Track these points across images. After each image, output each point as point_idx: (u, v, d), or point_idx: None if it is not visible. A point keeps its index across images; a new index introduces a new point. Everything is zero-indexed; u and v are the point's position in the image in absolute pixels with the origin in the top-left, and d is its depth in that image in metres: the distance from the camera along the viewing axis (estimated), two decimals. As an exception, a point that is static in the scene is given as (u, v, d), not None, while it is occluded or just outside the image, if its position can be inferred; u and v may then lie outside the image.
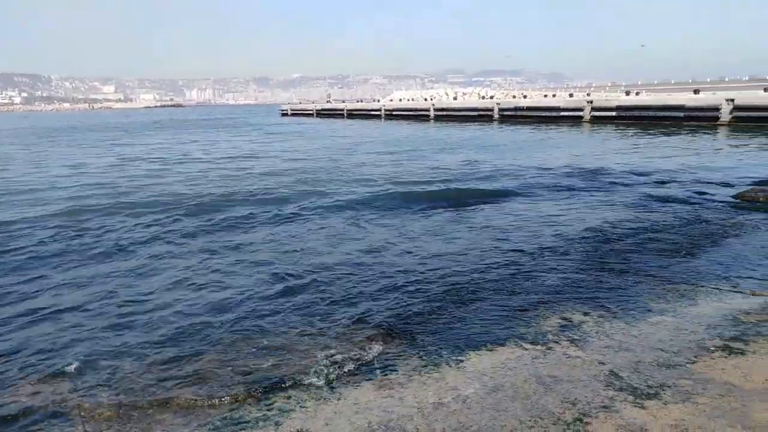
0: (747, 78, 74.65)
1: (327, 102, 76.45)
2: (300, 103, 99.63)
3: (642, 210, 8.80)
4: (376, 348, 4.12)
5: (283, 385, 3.57)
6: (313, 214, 9.15)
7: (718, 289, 4.97)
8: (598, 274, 5.66)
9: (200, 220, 8.81)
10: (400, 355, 3.99)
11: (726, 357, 3.51)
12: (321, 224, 8.44)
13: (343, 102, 74.80)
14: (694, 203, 9.14)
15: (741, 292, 4.85)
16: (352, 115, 60.91)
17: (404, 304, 5.01)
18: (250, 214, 9.19)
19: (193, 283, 5.73)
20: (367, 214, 9.04)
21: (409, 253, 6.71)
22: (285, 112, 76.86)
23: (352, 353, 4.02)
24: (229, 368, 3.85)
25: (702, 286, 5.09)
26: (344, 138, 29.30)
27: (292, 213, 9.29)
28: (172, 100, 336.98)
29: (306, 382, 3.62)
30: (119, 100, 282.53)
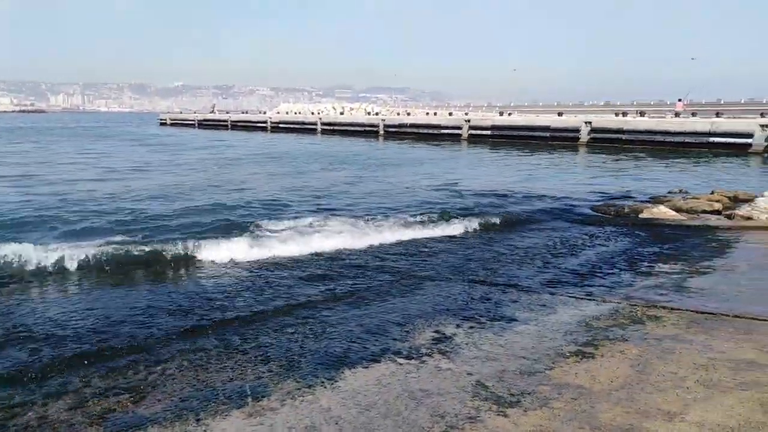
0: (602, 103, 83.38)
1: (211, 112, 73.57)
2: (181, 112, 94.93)
3: (507, 223, 9.39)
4: (251, 373, 3.95)
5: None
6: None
7: (575, 297, 5.40)
8: (468, 286, 5.92)
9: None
10: (275, 379, 3.85)
11: (579, 361, 3.80)
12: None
13: (228, 113, 72.52)
14: (556, 216, 9.94)
15: (594, 300, 5.30)
16: (237, 126, 59.24)
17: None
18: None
19: None
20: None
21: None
22: (164, 121, 72.86)
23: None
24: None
25: (561, 295, 5.50)
26: (225, 150, 28.32)
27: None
28: (33, 105, 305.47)
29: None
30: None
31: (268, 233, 7.96)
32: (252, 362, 4.11)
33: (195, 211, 10.20)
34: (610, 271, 6.46)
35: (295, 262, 6.93)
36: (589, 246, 7.79)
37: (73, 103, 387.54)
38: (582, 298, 5.37)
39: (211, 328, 4.81)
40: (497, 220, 9.26)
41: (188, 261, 6.87)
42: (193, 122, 67.40)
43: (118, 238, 7.62)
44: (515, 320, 4.84)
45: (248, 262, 6.91)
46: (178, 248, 6.94)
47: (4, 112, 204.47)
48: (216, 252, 6.99)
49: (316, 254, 7.31)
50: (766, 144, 24.84)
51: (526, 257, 7.16)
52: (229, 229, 8.29)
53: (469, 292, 5.79)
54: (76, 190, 12.77)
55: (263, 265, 6.78)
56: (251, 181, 15.31)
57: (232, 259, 6.91)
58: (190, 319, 5.04)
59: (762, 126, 25.38)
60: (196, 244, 7.06)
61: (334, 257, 7.20)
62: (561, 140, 31.34)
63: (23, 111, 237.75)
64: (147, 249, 6.92)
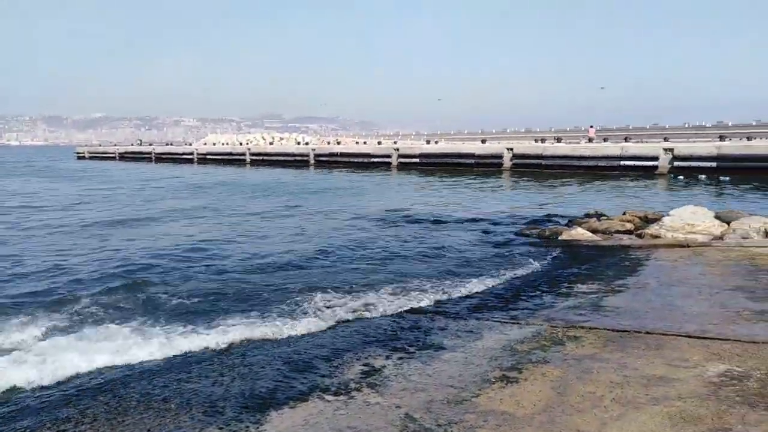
0: (523, 129, 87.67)
1: (138, 144, 70.83)
2: (100, 145, 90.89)
3: (433, 247, 9.58)
4: (171, 423, 3.73)
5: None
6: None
7: (500, 321, 5.53)
8: (398, 315, 5.94)
9: None
10: (197, 427, 3.66)
11: (504, 387, 3.86)
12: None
13: (151, 145, 70.13)
14: (481, 241, 10.22)
15: (518, 323, 5.44)
16: (161, 159, 57.31)
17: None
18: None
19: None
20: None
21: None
22: (81, 154, 69.41)
23: (138, 432, 3.57)
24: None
25: (487, 320, 5.62)
26: (142, 185, 27.26)
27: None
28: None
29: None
30: None
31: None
32: (173, 411, 3.90)
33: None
34: (533, 294, 6.68)
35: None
36: (513, 269, 8.04)
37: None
38: (507, 322, 5.50)
39: (132, 377, 4.54)
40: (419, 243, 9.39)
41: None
42: (113, 155, 64.61)
43: None
44: (443, 348, 4.88)
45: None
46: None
47: None
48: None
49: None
50: (669, 166, 26.88)
51: (451, 282, 7.29)
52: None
53: (398, 321, 5.81)
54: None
55: (186, 305, 6.50)
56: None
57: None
58: (103, 367, 4.73)
59: (665, 150, 27.49)
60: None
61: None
62: (485, 166, 32.52)
63: None
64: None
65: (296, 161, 44.02)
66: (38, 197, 20.51)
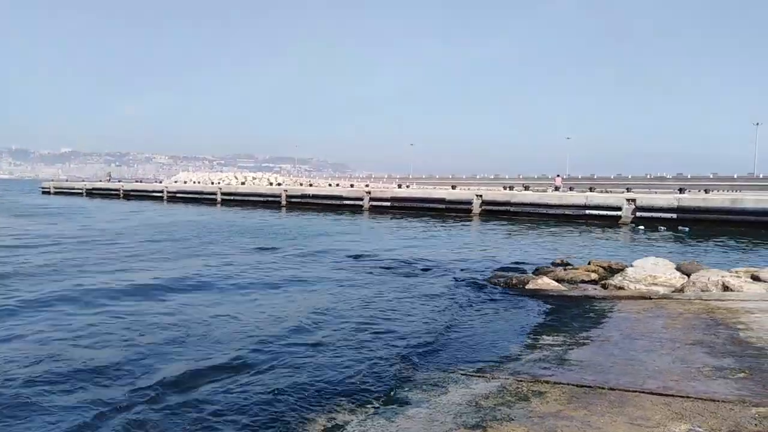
0: (492, 176, 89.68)
1: (108, 180, 69.57)
2: (67, 180, 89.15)
3: (401, 294, 9.56)
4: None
5: None
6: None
7: (465, 375, 5.48)
8: (358, 362, 5.85)
9: None
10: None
11: (467, 446, 3.80)
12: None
13: (120, 181, 69.06)
14: (449, 289, 10.23)
15: (483, 376, 5.41)
16: (130, 195, 56.39)
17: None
18: None
19: None
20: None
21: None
22: (47, 189, 67.78)
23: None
24: None
25: (452, 372, 5.57)
26: (108, 223, 26.68)
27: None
28: None
29: None
30: None
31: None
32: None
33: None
34: (499, 344, 6.67)
35: (181, 348, 6.48)
36: (479, 318, 8.05)
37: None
38: (472, 375, 5.46)
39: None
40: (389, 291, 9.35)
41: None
42: (81, 191, 63.29)
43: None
44: (408, 403, 4.79)
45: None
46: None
47: None
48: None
49: (205, 338, 6.90)
50: (632, 216, 27.68)
51: (417, 330, 7.24)
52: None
53: (365, 371, 5.71)
54: None
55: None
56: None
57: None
58: None
59: (628, 200, 28.37)
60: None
61: (225, 341, 6.83)
62: (456, 212, 32.94)
63: None
64: None
65: (268, 202, 43.83)
66: (-4, 234, 19.80)
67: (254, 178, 67.86)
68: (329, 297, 9.56)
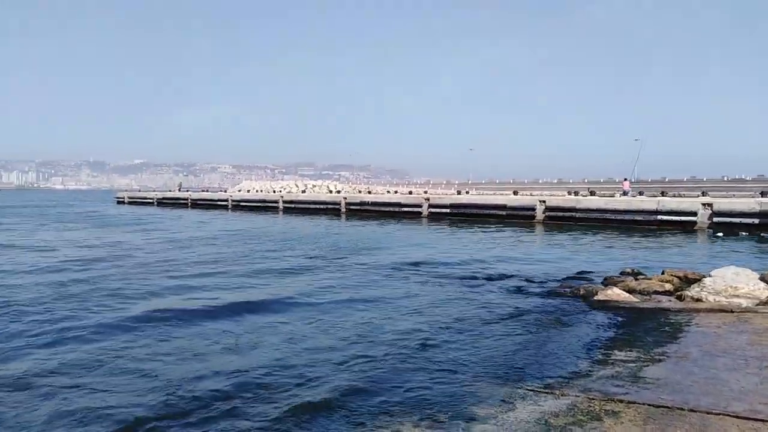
0: (556, 180, 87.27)
1: (179, 190, 72.91)
2: (140, 190, 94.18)
3: (466, 306, 9.40)
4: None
5: None
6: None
7: (533, 390, 5.32)
8: (426, 377, 5.79)
9: None
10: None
11: (538, 467, 3.67)
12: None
13: (188, 191, 72.15)
14: (513, 299, 9.99)
15: (552, 393, 5.23)
16: (197, 205, 58.78)
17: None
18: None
19: None
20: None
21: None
22: (121, 200, 71.71)
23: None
24: None
25: (519, 388, 5.41)
26: (182, 231, 27.88)
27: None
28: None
29: None
30: None
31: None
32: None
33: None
34: (568, 359, 6.44)
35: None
36: (546, 331, 7.80)
37: (27, 180, 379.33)
38: (540, 391, 5.29)
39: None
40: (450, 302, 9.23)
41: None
42: (152, 200, 66.59)
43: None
44: (474, 419, 4.70)
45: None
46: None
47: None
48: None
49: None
50: (708, 221, 26.14)
51: (484, 343, 7.10)
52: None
53: (427, 384, 5.65)
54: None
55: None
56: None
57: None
58: None
59: (704, 204, 26.81)
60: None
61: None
62: (517, 218, 32.22)
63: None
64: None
65: (328, 209, 44.53)
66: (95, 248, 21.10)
67: (314, 186, 69.17)
68: (390, 309, 9.56)
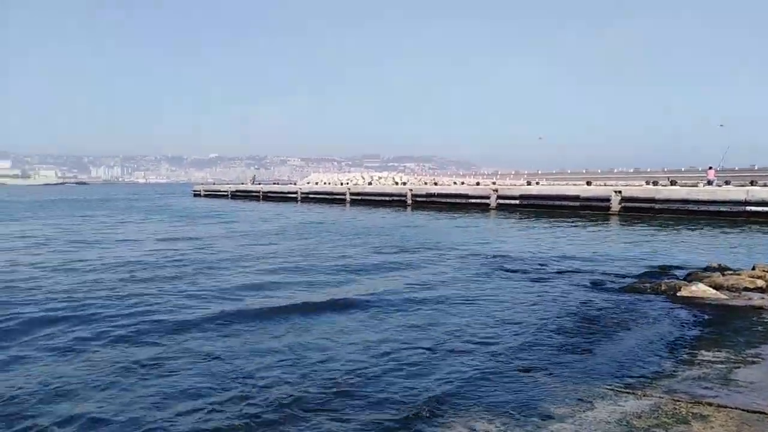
0: (632, 170, 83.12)
1: (252, 183, 75.64)
2: (214, 183, 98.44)
3: (540, 302, 9.15)
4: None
5: None
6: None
7: (613, 390, 5.14)
8: (502, 374, 5.71)
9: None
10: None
11: (621, 470, 3.55)
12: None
13: (259, 184, 74.63)
14: (590, 295, 9.64)
15: (633, 393, 5.03)
16: (268, 197, 60.69)
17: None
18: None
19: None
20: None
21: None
22: (198, 192, 75.22)
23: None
24: None
25: (598, 387, 5.24)
26: (257, 224, 28.87)
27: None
28: (75, 177, 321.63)
29: None
30: (16, 176, 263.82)
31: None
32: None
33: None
34: (650, 359, 6.17)
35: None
36: (625, 328, 7.49)
37: (113, 175, 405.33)
38: (621, 391, 5.10)
39: None
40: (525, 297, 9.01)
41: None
42: (226, 193, 69.42)
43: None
44: (550, 417, 4.61)
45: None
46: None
47: (48, 184, 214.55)
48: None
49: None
50: (805, 213, 24.12)
51: (559, 341, 6.91)
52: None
53: (500, 381, 5.58)
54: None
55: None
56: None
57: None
58: None
59: (800, 194, 24.76)
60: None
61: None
62: (591, 210, 31.04)
63: (66, 182, 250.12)
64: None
65: (394, 201, 44.71)
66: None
67: (380, 178, 69.60)
68: (464, 308, 9.49)
